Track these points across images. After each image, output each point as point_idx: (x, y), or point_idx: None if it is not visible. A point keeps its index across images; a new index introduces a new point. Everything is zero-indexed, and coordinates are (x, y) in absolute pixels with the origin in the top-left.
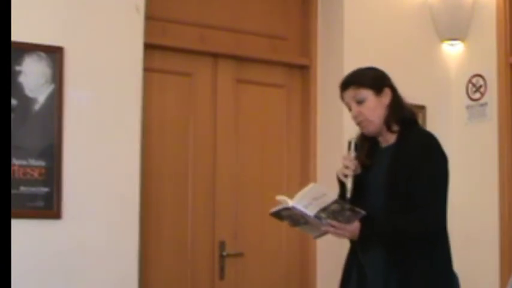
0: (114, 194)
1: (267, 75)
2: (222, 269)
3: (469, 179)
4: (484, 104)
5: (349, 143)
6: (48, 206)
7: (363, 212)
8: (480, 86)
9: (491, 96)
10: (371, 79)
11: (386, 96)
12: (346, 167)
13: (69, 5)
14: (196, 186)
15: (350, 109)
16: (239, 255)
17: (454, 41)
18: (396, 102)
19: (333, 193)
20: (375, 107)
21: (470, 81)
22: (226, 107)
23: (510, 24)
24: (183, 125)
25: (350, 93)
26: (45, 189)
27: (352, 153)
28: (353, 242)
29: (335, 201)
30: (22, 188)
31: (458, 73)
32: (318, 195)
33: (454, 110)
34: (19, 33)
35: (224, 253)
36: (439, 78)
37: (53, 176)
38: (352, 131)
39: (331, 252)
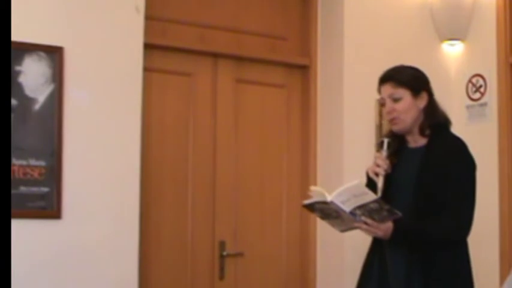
0: (114, 194)
1: (267, 75)
2: (222, 269)
3: None
4: (484, 104)
5: (382, 142)
6: (48, 206)
7: (400, 214)
8: (480, 86)
9: (491, 96)
10: (411, 79)
11: (423, 100)
12: (378, 166)
13: (69, 5)
14: (196, 186)
15: (383, 104)
16: (239, 255)
17: (454, 41)
18: (431, 107)
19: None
20: (409, 107)
21: (470, 81)
22: (226, 107)
23: (510, 24)
24: (183, 125)
25: (387, 89)
26: (45, 189)
27: (384, 153)
28: (376, 241)
29: (375, 201)
30: (22, 188)
31: (458, 73)
32: (359, 192)
33: (454, 110)
34: (19, 33)
35: (224, 253)
36: (439, 78)
37: (53, 176)
38: (351, 131)
39: (331, 252)
